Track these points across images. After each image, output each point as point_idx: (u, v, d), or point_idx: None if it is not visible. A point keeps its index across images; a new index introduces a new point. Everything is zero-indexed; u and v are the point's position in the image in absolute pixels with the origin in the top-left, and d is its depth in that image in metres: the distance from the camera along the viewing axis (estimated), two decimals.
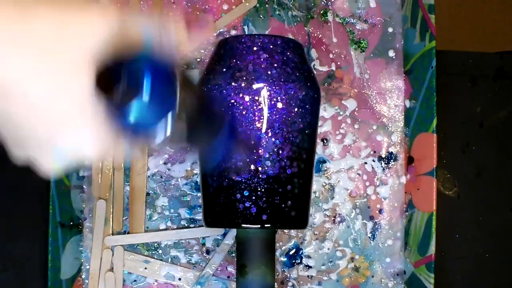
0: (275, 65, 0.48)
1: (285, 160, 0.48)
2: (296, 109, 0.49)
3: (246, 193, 0.48)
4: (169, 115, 0.28)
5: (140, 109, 0.27)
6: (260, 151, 0.48)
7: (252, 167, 0.48)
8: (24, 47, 0.26)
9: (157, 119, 0.28)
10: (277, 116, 0.48)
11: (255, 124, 0.48)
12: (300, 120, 0.49)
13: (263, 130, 0.48)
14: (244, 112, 0.48)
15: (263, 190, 0.48)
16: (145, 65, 0.27)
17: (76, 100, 0.28)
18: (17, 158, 0.31)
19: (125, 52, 0.28)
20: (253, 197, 0.48)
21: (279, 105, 0.48)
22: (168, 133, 0.29)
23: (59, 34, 0.27)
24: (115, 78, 0.26)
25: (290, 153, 0.49)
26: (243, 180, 0.48)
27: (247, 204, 0.48)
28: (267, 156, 0.48)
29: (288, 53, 0.49)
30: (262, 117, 0.48)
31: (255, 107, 0.48)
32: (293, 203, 0.49)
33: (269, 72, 0.48)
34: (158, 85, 0.27)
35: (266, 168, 0.48)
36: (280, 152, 0.48)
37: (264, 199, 0.48)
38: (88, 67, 0.27)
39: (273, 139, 0.48)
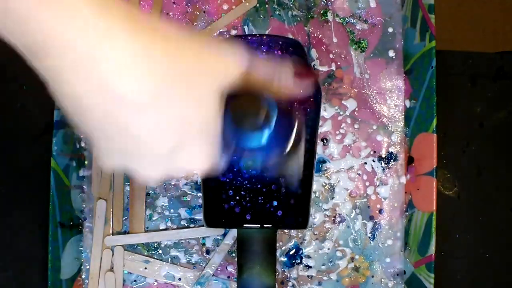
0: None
1: (284, 160, 0.48)
2: (296, 109, 0.49)
3: (246, 192, 0.48)
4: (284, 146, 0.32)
5: (264, 136, 0.31)
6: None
7: (252, 166, 0.48)
8: (165, 69, 0.28)
9: (272, 150, 0.32)
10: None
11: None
12: (300, 119, 0.49)
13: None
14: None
15: (262, 189, 0.48)
16: (273, 102, 0.31)
17: (194, 122, 0.31)
18: (108, 167, 0.33)
19: (254, 87, 0.32)
20: (253, 197, 0.48)
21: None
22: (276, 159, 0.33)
23: (196, 66, 0.30)
24: (247, 108, 0.30)
25: (290, 153, 0.49)
26: (243, 180, 0.48)
27: (247, 204, 0.48)
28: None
29: (288, 53, 0.49)
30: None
31: None
32: (293, 203, 0.49)
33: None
34: (282, 119, 0.31)
35: (265, 168, 0.48)
36: (280, 151, 0.48)
37: (264, 198, 0.48)
38: (215, 97, 0.31)
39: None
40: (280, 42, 0.49)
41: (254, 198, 0.48)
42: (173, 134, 0.30)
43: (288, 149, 0.32)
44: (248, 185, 0.48)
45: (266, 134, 0.31)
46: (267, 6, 0.63)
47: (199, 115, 0.31)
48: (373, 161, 0.62)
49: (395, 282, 0.61)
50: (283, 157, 0.33)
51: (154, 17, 0.29)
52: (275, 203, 0.48)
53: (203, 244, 0.61)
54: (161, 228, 0.61)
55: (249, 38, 0.49)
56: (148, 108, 0.28)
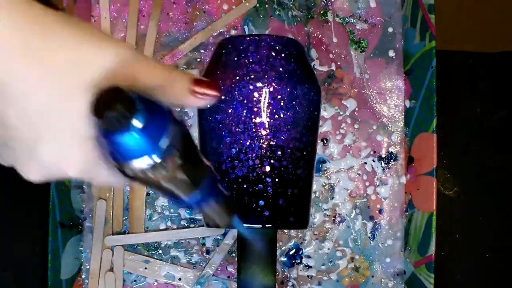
0: (275, 65, 0.48)
1: (285, 160, 0.48)
2: (297, 109, 0.49)
3: (246, 193, 0.48)
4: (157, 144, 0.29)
5: (132, 138, 0.28)
6: (260, 151, 0.48)
7: (252, 167, 0.48)
8: (37, 58, 0.27)
9: (144, 151, 0.29)
10: (277, 116, 0.48)
11: (255, 124, 0.48)
12: (300, 120, 0.49)
13: (263, 131, 0.48)
14: (244, 112, 0.48)
15: (263, 189, 0.48)
16: (143, 100, 0.28)
17: (69, 118, 0.29)
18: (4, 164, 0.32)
19: (127, 86, 0.29)
20: (253, 197, 0.48)
21: (280, 105, 0.48)
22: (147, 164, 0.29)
23: (72, 57, 0.29)
24: (111, 106, 0.27)
25: (291, 152, 0.49)
26: (243, 180, 0.48)
27: (247, 204, 0.48)
28: (267, 156, 0.48)
29: (288, 53, 0.49)
30: (262, 117, 0.48)
31: (255, 107, 0.48)
32: (294, 203, 0.49)
33: (269, 72, 0.48)
34: (152, 119, 0.28)
35: (265, 168, 0.48)
36: (280, 151, 0.48)
37: (264, 198, 0.48)
38: (82, 92, 0.29)
39: (272, 140, 0.48)
40: (280, 42, 0.49)
41: (254, 198, 0.48)
42: (36, 124, 0.29)
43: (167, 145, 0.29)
44: (248, 185, 0.48)
45: (135, 136, 0.28)
46: (267, 6, 0.63)
47: (63, 108, 0.29)
48: (373, 161, 0.62)
49: (395, 282, 0.61)
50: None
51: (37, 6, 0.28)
52: (275, 203, 0.48)
53: (203, 244, 0.61)
54: (161, 228, 0.61)
55: (248, 38, 0.49)
56: (16, 93, 0.27)
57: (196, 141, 0.61)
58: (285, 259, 0.61)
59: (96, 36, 0.29)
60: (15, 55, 0.27)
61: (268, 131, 0.48)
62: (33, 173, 0.31)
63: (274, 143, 0.48)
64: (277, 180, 0.48)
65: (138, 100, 0.28)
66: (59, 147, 0.30)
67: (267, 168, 0.48)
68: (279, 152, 0.48)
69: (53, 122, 0.29)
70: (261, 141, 0.48)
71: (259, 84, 0.48)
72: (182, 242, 0.61)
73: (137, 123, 0.27)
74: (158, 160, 0.29)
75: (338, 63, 0.63)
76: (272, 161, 0.48)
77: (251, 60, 0.48)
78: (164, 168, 0.30)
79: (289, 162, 0.49)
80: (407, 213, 0.62)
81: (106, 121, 0.27)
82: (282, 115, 0.48)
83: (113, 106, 0.27)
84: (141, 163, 0.29)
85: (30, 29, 0.27)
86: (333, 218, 0.62)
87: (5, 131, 0.29)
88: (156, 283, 0.61)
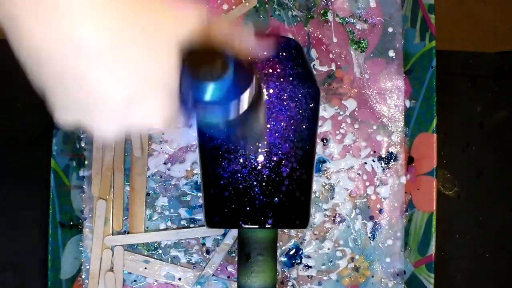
0: (275, 64, 0.48)
1: (284, 160, 0.48)
2: (296, 109, 0.49)
3: (246, 193, 0.48)
4: (241, 100, 0.32)
5: (222, 89, 0.31)
6: (260, 151, 0.48)
7: (252, 166, 0.48)
8: (125, 18, 0.28)
9: (231, 101, 0.32)
10: (276, 116, 0.48)
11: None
12: (300, 120, 0.49)
13: (262, 130, 0.48)
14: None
15: (263, 189, 0.48)
16: (230, 54, 0.31)
17: (161, 74, 0.30)
18: (64, 122, 0.32)
19: (213, 42, 0.32)
20: (253, 197, 0.48)
21: (279, 104, 0.48)
22: (233, 115, 0.33)
23: (156, 17, 0.30)
24: (203, 60, 0.30)
25: (291, 153, 0.49)
26: (243, 180, 0.48)
27: (247, 204, 0.48)
28: (266, 156, 0.48)
29: (287, 53, 0.49)
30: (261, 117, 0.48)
31: None
32: (294, 203, 0.49)
33: (268, 72, 0.48)
34: (240, 72, 0.31)
35: (266, 168, 0.48)
36: (280, 151, 0.48)
37: (264, 199, 0.48)
38: (174, 50, 0.30)
39: (272, 139, 0.48)
40: (279, 42, 0.49)
41: (255, 198, 0.48)
42: (129, 85, 0.30)
43: (245, 106, 0.33)
44: (248, 185, 0.48)
45: (223, 87, 0.31)
46: (267, 6, 0.63)
47: (156, 68, 0.30)
48: (373, 161, 0.62)
49: (395, 282, 0.61)
50: (241, 115, 0.33)
51: None
52: (275, 203, 0.48)
53: (203, 244, 0.61)
54: (161, 228, 0.61)
55: None
56: (105, 57, 0.28)
57: (196, 141, 0.61)
58: (285, 259, 0.61)
59: None
60: (108, 17, 0.27)
61: (268, 131, 0.48)
62: (112, 130, 0.32)
63: (273, 142, 0.48)
64: (277, 180, 0.48)
65: (228, 57, 0.30)
66: (151, 103, 0.31)
67: (267, 168, 0.48)
68: (279, 152, 0.48)
69: (145, 79, 0.30)
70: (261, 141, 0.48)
71: None
72: (182, 242, 0.61)
73: (229, 76, 0.30)
74: (239, 112, 0.32)
75: (338, 63, 0.63)
76: (272, 161, 0.48)
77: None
78: (239, 121, 0.34)
79: (289, 162, 0.49)
80: (407, 213, 0.62)
81: (203, 75, 0.30)
82: (281, 115, 0.48)
83: (211, 61, 0.30)
84: (226, 113, 0.32)
85: None
86: (333, 218, 0.62)
87: (87, 93, 0.30)
88: (156, 283, 0.61)
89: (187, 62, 0.31)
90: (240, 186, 0.48)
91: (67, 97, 0.30)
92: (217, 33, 0.33)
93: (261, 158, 0.48)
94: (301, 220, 0.51)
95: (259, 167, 0.48)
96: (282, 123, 0.48)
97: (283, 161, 0.48)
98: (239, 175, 0.48)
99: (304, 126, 0.50)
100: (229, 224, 0.49)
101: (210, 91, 0.31)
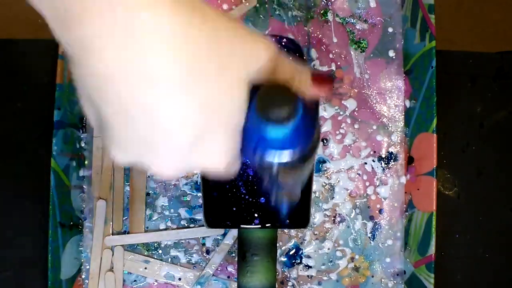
0: None
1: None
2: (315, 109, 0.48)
3: (246, 193, 0.48)
4: (303, 144, 0.32)
5: (286, 131, 0.30)
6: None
7: (252, 166, 0.48)
8: (200, 46, 0.26)
9: (293, 145, 0.31)
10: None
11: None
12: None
13: None
14: None
15: (263, 189, 0.48)
16: (299, 96, 0.30)
17: (228, 112, 0.29)
18: (123, 160, 0.30)
19: (280, 79, 0.30)
20: (254, 197, 0.48)
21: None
22: (287, 159, 0.32)
23: (233, 50, 0.28)
24: (275, 99, 0.29)
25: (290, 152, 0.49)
26: (244, 180, 0.48)
27: (248, 204, 0.48)
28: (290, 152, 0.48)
29: (287, 53, 0.49)
30: None
31: None
32: (294, 203, 0.49)
33: None
34: (306, 116, 0.30)
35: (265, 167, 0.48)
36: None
37: (264, 199, 0.48)
38: (244, 84, 0.29)
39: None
40: (279, 42, 0.49)
41: (254, 197, 0.48)
42: (198, 123, 0.27)
43: (308, 147, 0.31)
44: (248, 185, 0.48)
45: (290, 128, 0.29)
46: (267, 6, 0.63)
47: (226, 102, 0.28)
48: (373, 161, 0.62)
49: (395, 282, 0.61)
50: (302, 156, 0.32)
51: None
52: (275, 202, 0.48)
53: (203, 244, 0.61)
54: (161, 228, 0.61)
55: None
56: (176, 90, 0.25)
57: None
58: (285, 259, 0.61)
59: (246, 30, 0.29)
60: (185, 48, 0.25)
61: None
62: (173, 169, 0.30)
63: None
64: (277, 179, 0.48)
65: (298, 99, 0.29)
66: (217, 143, 0.29)
67: (267, 168, 0.48)
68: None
69: (213, 117, 0.28)
70: None
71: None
72: (182, 242, 0.61)
73: (297, 119, 0.29)
74: (301, 156, 0.31)
75: (338, 63, 0.63)
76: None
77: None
78: (298, 165, 0.32)
79: (289, 161, 0.49)
80: (407, 213, 0.62)
81: (273, 116, 0.28)
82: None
83: (283, 102, 0.28)
84: (284, 157, 0.31)
85: (192, 20, 0.25)
86: (333, 218, 0.62)
87: (153, 129, 0.27)
88: (156, 283, 0.61)
89: (257, 100, 0.29)
90: (241, 186, 0.48)
91: (130, 132, 0.27)
92: (283, 71, 0.31)
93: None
94: (302, 219, 0.51)
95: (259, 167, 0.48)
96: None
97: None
98: (239, 174, 0.48)
99: (303, 125, 0.49)
100: (229, 224, 0.49)
101: (278, 133, 0.29)
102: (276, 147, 0.30)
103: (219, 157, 0.30)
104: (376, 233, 0.62)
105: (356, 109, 0.63)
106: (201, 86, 0.26)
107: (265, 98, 0.29)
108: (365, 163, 0.62)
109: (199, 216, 0.61)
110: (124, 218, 0.61)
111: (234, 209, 0.48)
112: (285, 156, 0.31)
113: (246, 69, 0.29)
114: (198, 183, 0.61)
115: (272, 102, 0.28)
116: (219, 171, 0.31)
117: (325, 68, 0.63)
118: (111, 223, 0.61)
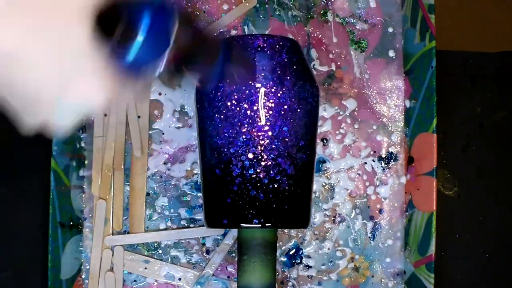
0: (275, 64, 0.48)
1: (285, 160, 0.48)
2: (295, 108, 0.49)
3: (246, 192, 0.48)
4: (164, 51, 0.31)
5: (137, 47, 0.29)
6: (259, 150, 0.48)
7: (252, 166, 0.48)
8: (20, 12, 0.27)
9: (153, 56, 0.31)
10: (276, 115, 0.48)
11: (254, 124, 0.48)
12: (299, 119, 0.49)
13: (262, 130, 0.48)
14: (243, 112, 0.48)
15: (263, 189, 0.48)
16: (141, 4, 0.30)
17: (78, 53, 0.29)
18: (29, 127, 0.32)
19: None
20: (254, 197, 0.48)
21: (278, 104, 0.48)
22: (162, 68, 0.32)
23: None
24: (114, 20, 0.29)
25: (290, 153, 0.49)
26: (244, 180, 0.48)
27: (248, 204, 0.48)
28: (267, 155, 0.48)
29: (287, 53, 0.49)
30: (261, 117, 0.48)
31: (254, 107, 0.48)
32: (294, 203, 0.49)
33: (268, 72, 0.48)
34: (155, 23, 0.30)
35: (266, 167, 0.48)
36: (280, 151, 0.48)
37: (265, 198, 0.48)
38: (85, 17, 0.29)
39: (272, 139, 0.48)
40: (279, 42, 0.49)
41: (255, 198, 0.48)
42: (55, 70, 0.29)
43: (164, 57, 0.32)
44: (248, 185, 0.48)
45: (140, 43, 0.29)
46: (267, 6, 0.63)
47: (72, 44, 0.29)
48: (373, 161, 0.62)
49: (395, 282, 0.61)
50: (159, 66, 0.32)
51: None
52: (276, 202, 0.48)
53: (203, 244, 0.61)
54: (161, 228, 0.61)
55: (249, 37, 0.49)
56: (21, 51, 0.27)
57: (196, 141, 0.61)
58: (285, 259, 0.61)
59: None
60: (8, 16, 0.27)
61: (268, 131, 0.48)
62: (65, 122, 0.31)
63: (273, 142, 0.48)
64: (277, 179, 0.48)
65: (138, 10, 0.29)
66: (82, 85, 0.30)
67: (268, 168, 0.48)
68: (279, 152, 0.48)
69: (65, 66, 0.29)
70: (261, 141, 0.48)
71: (258, 84, 0.48)
72: (182, 242, 0.61)
73: (141, 33, 0.29)
74: (164, 63, 0.31)
75: (338, 63, 0.63)
76: (272, 160, 0.48)
77: (250, 60, 0.48)
78: (172, 69, 0.33)
79: (289, 161, 0.49)
80: (407, 213, 0.62)
81: (114, 39, 0.29)
82: (281, 115, 0.48)
83: (117, 22, 0.28)
84: (156, 66, 0.31)
85: None
86: (333, 218, 0.62)
87: (25, 98, 0.29)
88: (156, 283, 0.61)
89: (94, 27, 0.29)
90: (241, 186, 0.48)
91: (15, 102, 0.30)
92: None
93: (261, 157, 0.48)
94: (302, 219, 0.51)
95: (259, 167, 0.48)
96: (282, 123, 0.48)
97: (283, 161, 0.48)
98: (239, 175, 0.48)
99: (303, 126, 0.50)
100: (229, 224, 0.49)
101: (126, 52, 0.29)
102: (133, 65, 0.30)
103: (95, 92, 0.31)
104: (376, 233, 0.62)
105: (356, 109, 0.63)
106: (40, 38, 0.28)
107: (100, 28, 0.29)
108: (365, 163, 0.62)
109: (199, 216, 0.61)
110: (124, 218, 0.61)
111: (235, 209, 0.48)
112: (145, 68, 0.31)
113: (80, 3, 0.29)
114: (198, 183, 0.61)
115: (106, 31, 0.29)
116: (103, 107, 0.32)
117: (325, 68, 0.63)
118: (111, 223, 0.61)
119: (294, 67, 0.49)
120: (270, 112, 0.48)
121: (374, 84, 0.63)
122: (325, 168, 0.62)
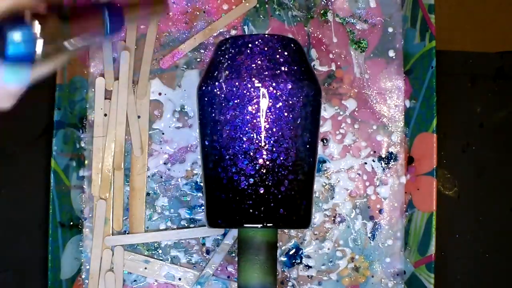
0: (275, 64, 0.48)
1: (286, 160, 0.48)
2: (296, 108, 0.49)
3: (247, 192, 0.48)
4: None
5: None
6: (260, 150, 0.48)
7: (253, 166, 0.48)
8: None
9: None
10: (277, 115, 0.48)
11: (255, 124, 0.48)
12: (301, 119, 0.49)
13: (263, 130, 0.48)
14: (244, 112, 0.48)
15: (264, 189, 0.48)
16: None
17: None
18: None
19: None
20: (254, 197, 0.48)
21: (279, 104, 0.48)
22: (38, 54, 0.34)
23: None
24: None
25: (291, 153, 0.49)
26: (245, 180, 0.48)
27: (248, 204, 0.48)
28: (268, 155, 0.48)
29: (287, 52, 0.49)
30: (262, 117, 0.48)
31: (255, 107, 0.48)
32: (295, 203, 0.49)
33: (268, 72, 0.48)
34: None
35: (267, 167, 0.48)
36: (281, 151, 0.48)
37: (265, 198, 0.48)
38: None
39: (273, 139, 0.48)
40: (279, 42, 0.49)
41: (256, 197, 0.48)
42: None
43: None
44: (249, 185, 0.48)
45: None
46: (267, 6, 0.63)
47: None
48: (373, 161, 0.62)
49: (395, 282, 0.61)
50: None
51: None
52: (276, 202, 0.48)
53: (203, 244, 0.61)
54: (161, 228, 0.61)
55: (249, 38, 0.49)
56: None
57: (196, 141, 0.61)
58: (285, 259, 0.61)
59: None
60: None
61: (269, 131, 0.48)
62: None
63: (274, 142, 0.48)
64: (278, 179, 0.48)
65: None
66: None
67: (268, 168, 0.48)
68: (280, 152, 0.48)
69: None
70: (262, 141, 0.48)
71: (258, 84, 0.48)
72: (182, 242, 0.61)
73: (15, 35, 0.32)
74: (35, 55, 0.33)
75: (338, 63, 0.63)
76: (273, 160, 0.48)
77: (250, 60, 0.48)
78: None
79: (290, 162, 0.49)
80: (407, 213, 0.62)
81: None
82: (282, 115, 0.48)
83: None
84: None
85: None
86: (333, 218, 0.62)
87: None
88: (156, 283, 0.61)
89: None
90: (242, 186, 0.48)
91: None
92: None
93: (262, 157, 0.48)
94: (303, 219, 0.51)
95: (260, 167, 0.48)
96: (283, 123, 0.48)
97: (284, 161, 0.48)
98: (240, 174, 0.48)
99: (304, 126, 0.50)
100: (230, 223, 0.49)
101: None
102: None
103: None
104: (376, 233, 0.62)
105: (356, 109, 0.63)
106: None
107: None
108: (365, 163, 0.62)
109: (199, 216, 0.61)
110: (124, 218, 0.61)
111: (236, 208, 0.48)
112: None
113: None
114: (198, 183, 0.61)
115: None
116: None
117: (325, 68, 0.63)
118: (111, 223, 0.61)
119: (296, 66, 0.49)
120: (272, 112, 0.48)
121: (374, 84, 0.63)
122: (325, 168, 0.62)
